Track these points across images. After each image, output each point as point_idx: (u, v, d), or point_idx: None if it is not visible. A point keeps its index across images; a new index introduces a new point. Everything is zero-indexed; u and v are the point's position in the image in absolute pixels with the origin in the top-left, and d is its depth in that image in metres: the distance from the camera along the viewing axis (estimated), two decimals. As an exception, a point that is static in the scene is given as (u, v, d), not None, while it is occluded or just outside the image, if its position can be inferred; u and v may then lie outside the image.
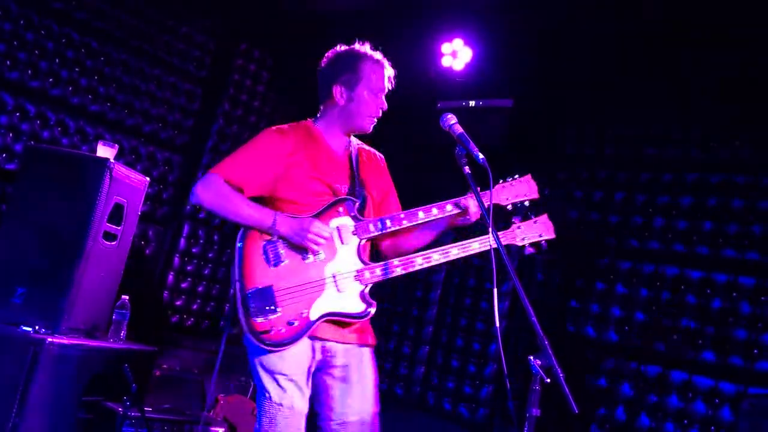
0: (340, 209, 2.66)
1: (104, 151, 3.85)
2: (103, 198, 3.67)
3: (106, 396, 3.58)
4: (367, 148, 2.93)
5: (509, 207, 2.86)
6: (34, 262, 3.65)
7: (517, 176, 2.86)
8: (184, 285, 5.19)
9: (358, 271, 2.60)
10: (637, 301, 4.10)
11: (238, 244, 2.57)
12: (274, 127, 2.75)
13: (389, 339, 5.00)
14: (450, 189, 4.97)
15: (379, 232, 2.67)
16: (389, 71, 2.79)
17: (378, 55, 2.79)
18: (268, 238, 2.56)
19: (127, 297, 3.97)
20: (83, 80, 4.58)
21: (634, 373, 4.00)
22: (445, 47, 4.78)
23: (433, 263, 2.70)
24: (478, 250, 2.68)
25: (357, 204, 2.68)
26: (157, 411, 3.66)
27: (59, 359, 3.40)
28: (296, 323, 2.51)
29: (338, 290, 2.58)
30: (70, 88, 4.53)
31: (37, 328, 3.46)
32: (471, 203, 2.70)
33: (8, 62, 4.22)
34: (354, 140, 2.87)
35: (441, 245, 2.72)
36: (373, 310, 2.59)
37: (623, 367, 4.03)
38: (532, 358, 2.08)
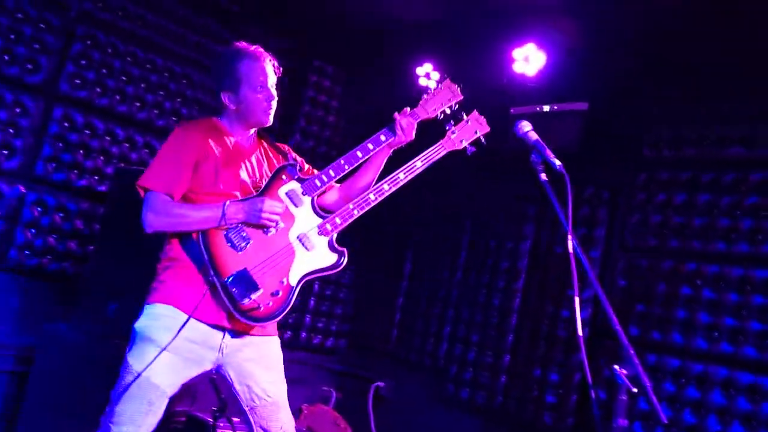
0: (284, 177, 2.79)
1: (188, 171, 4.01)
2: (189, 215, 3.81)
3: (195, 406, 3.71)
4: (270, 139, 3.01)
5: (440, 116, 2.98)
6: (124, 278, 3.83)
7: (438, 85, 2.97)
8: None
9: (319, 226, 2.76)
10: (726, 305, 3.94)
11: (199, 243, 2.64)
12: (180, 126, 2.83)
13: (469, 348, 4.98)
14: (529, 194, 4.94)
15: (326, 184, 2.82)
16: (268, 61, 2.83)
17: (252, 50, 2.83)
18: (226, 227, 2.64)
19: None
20: (167, 103, 4.78)
21: (724, 380, 3.84)
22: (517, 53, 4.75)
23: (391, 191, 2.84)
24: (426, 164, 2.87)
25: (297, 166, 2.82)
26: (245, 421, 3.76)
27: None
28: (280, 293, 2.66)
29: (307, 249, 2.73)
30: (156, 112, 4.73)
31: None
32: (402, 121, 2.87)
33: (98, 89, 4.45)
34: (257, 133, 2.95)
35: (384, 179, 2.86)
36: (345, 259, 2.76)
37: (713, 374, 3.88)
38: (617, 367, 2.04)
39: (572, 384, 4.42)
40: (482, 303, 5.00)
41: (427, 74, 5.23)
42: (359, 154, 2.87)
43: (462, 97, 3.00)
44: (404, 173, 2.88)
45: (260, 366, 2.79)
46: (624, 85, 4.54)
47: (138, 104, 4.65)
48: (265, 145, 2.99)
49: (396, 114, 2.91)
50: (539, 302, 4.74)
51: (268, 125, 2.88)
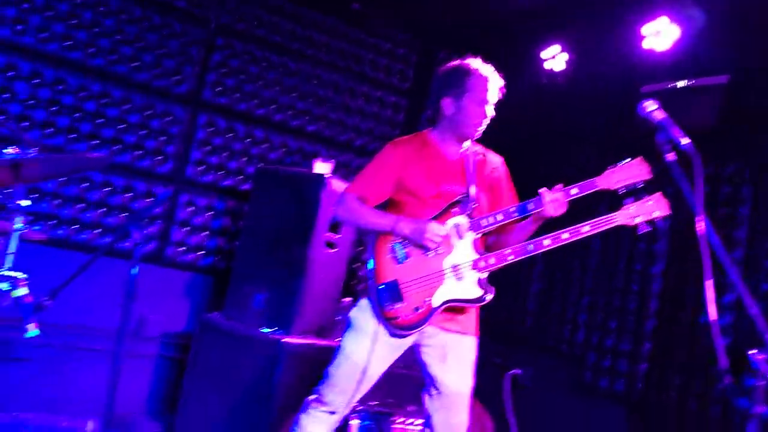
0: (455, 209, 2.94)
1: (321, 168, 4.22)
2: (323, 210, 4.02)
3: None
4: (483, 151, 3.15)
5: (621, 191, 2.92)
6: (268, 271, 4.10)
7: (628, 159, 2.90)
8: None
9: (474, 261, 2.90)
10: None
11: (372, 245, 2.96)
12: (392, 142, 3.13)
13: (607, 335, 4.87)
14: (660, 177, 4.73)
15: (491, 226, 2.92)
16: (496, 83, 3.02)
17: (485, 69, 3.03)
18: (394, 239, 2.92)
19: (349, 299, 4.30)
20: (300, 104, 5.03)
21: None
22: (646, 28, 4.56)
23: (551, 247, 2.89)
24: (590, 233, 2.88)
25: (471, 204, 2.95)
26: (383, 405, 3.90)
27: (294, 357, 3.78)
28: (421, 309, 2.86)
29: (457, 279, 2.89)
30: (290, 112, 5.00)
31: (274, 329, 3.88)
32: (546, 196, 2.86)
33: (237, 95, 4.77)
34: (469, 144, 3.10)
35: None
36: (490, 296, 2.88)
37: None
38: (754, 353, 1.97)
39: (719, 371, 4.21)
40: (620, 288, 4.86)
41: (554, 56, 5.14)
42: (530, 206, 2.90)
43: (651, 177, 2.93)
44: (569, 234, 2.88)
45: (450, 358, 2.97)
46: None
47: (274, 107, 4.93)
48: (477, 156, 3.12)
49: (541, 190, 2.90)
50: (680, 287, 4.55)
51: (472, 138, 3.07)
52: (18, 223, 2.53)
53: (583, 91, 5.04)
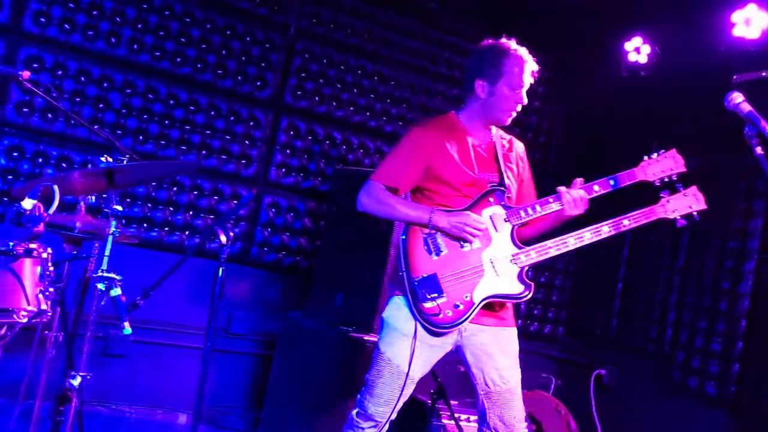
0: (491, 199, 2.84)
1: (399, 167, 4.24)
2: (401, 209, 4.04)
3: (416, 389, 3.93)
4: (508, 137, 3.04)
5: (657, 183, 2.88)
6: (349, 270, 4.17)
7: (662, 151, 2.88)
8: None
9: (513, 255, 2.81)
10: None
11: (402, 237, 2.82)
12: (418, 126, 2.98)
13: (696, 335, 4.70)
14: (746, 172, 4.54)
15: (530, 217, 2.83)
16: (531, 67, 2.87)
17: (521, 51, 2.88)
18: (428, 231, 2.79)
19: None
20: (378, 105, 5.09)
21: None
22: (737, 15, 4.38)
23: (585, 242, 2.83)
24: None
25: (506, 193, 2.85)
26: (463, 405, 3.91)
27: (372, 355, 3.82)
28: (461, 306, 2.76)
29: (497, 274, 2.79)
30: (368, 114, 5.06)
31: (354, 327, 3.95)
32: (565, 196, 2.79)
33: (317, 98, 4.87)
34: (496, 130, 2.98)
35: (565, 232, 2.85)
36: (530, 293, 2.80)
37: None
38: None
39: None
40: (709, 287, 4.68)
41: (636, 48, 5.00)
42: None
43: (685, 170, 2.91)
44: (609, 227, 2.85)
45: (495, 352, 2.88)
46: None
47: (352, 108, 5.01)
48: (503, 141, 3.03)
49: (559, 187, 2.84)
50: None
51: (505, 125, 2.98)
52: (113, 227, 2.67)
53: (669, 83, 4.88)
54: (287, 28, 4.80)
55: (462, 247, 2.80)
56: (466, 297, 2.76)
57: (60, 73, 4.21)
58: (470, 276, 2.78)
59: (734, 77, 4.51)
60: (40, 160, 4.18)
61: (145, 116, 4.44)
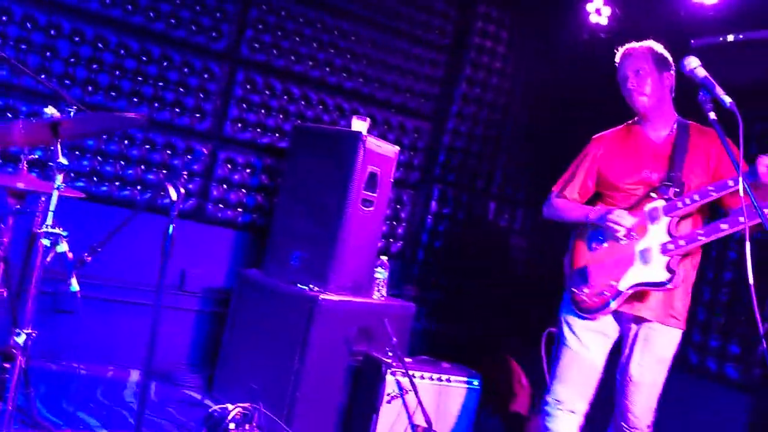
0: (654, 195, 2.96)
1: (358, 125, 4.19)
2: (359, 168, 4.01)
3: (371, 347, 3.96)
4: (697, 127, 3.03)
5: None
6: (305, 228, 4.14)
7: None
8: (437, 244, 5.47)
9: (662, 244, 2.88)
10: None
11: (573, 235, 3.20)
12: (595, 137, 3.28)
13: (715, 313, 4.22)
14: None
15: (687, 208, 2.86)
16: (624, 59, 3.10)
17: (622, 49, 3.14)
18: (590, 228, 3.10)
19: (386, 258, 4.32)
20: (338, 60, 4.99)
21: None
22: (697, -20, 4.37)
23: (744, 226, 2.47)
24: None
25: (671, 188, 2.91)
26: (418, 362, 3.95)
27: (330, 313, 3.83)
28: (606, 293, 2.97)
29: (645, 263, 2.91)
30: (327, 69, 4.96)
31: (311, 286, 3.93)
32: (765, 161, 2.64)
33: (275, 51, 4.75)
34: (682, 122, 3.05)
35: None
36: (673, 283, 2.83)
37: None
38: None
39: None
40: (732, 260, 4.23)
41: (597, 10, 4.98)
42: (731, 183, 2.74)
43: None
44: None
45: (638, 346, 3.01)
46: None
47: (311, 63, 4.90)
48: (685, 133, 3.03)
49: (761, 156, 2.67)
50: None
51: (643, 113, 3.08)
52: (58, 181, 2.58)
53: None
54: (244, -22, 4.65)
55: (619, 241, 2.98)
56: (613, 284, 2.96)
57: (5, 18, 4.01)
58: (620, 265, 2.96)
59: (692, 42, 4.53)
60: (-16, 109, 4.01)
61: (95, 66, 4.27)
